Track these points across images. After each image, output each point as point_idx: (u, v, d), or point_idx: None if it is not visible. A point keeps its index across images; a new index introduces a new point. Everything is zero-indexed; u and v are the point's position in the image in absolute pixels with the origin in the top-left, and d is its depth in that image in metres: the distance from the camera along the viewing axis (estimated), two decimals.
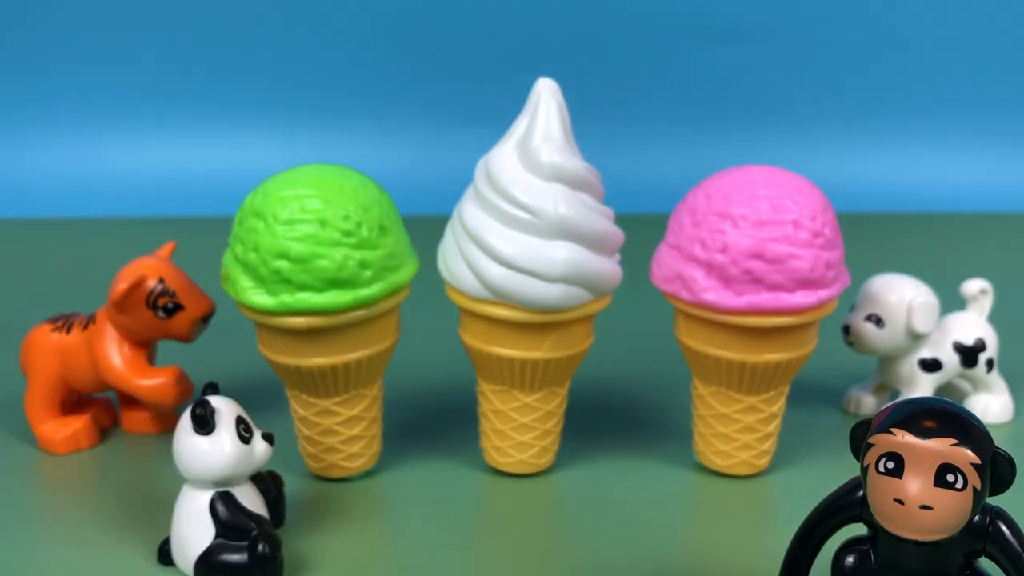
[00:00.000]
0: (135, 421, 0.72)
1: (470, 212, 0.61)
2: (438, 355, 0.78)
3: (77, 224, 1.26)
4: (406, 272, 0.60)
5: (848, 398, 0.76)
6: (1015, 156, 1.44)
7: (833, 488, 0.45)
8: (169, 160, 1.37)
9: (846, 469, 0.46)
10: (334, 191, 0.57)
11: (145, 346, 0.68)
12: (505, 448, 0.65)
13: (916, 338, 0.71)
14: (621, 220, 0.63)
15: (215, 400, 0.54)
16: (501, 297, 0.59)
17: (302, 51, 1.40)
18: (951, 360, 0.73)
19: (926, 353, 0.72)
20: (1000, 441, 0.41)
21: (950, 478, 0.39)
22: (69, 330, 0.68)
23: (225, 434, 0.53)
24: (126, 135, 1.39)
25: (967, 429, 0.40)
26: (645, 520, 0.61)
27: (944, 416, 0.40)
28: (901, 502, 0.40)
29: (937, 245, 1.21)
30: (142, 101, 1.39)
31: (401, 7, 1.39)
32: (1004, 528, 0.41)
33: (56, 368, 0.68)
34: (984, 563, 0.43)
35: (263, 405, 0.71)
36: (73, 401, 0.71)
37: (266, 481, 0.57)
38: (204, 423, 0.52)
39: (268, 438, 0.55)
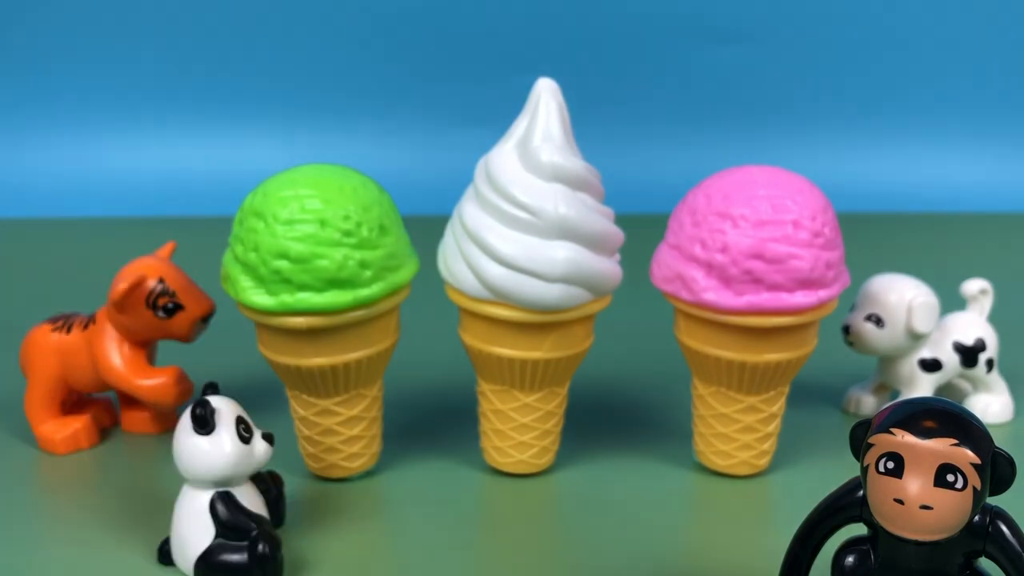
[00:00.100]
0: (135, 421, 0.72)
1: (470, 212, 0.61)
2: (438, 355, 0.78)
3: (77, 224, 1.26)
4: (406, 272, 0.60)
5: (848, 398, 0.76)
6: (1015, 156, 1.44)
7: (833, 488, 0.45)
8: (169, 160, 1.37)
9: (846, 469, 0.46)
10: (334, 191, 0.57)
11: (145, 346, 0.68)
12: (505, 448, 0.65)
13: (916, 338, 0.71)
14: (621, 220, 0.63)
15: (215, 400, 0.54)
16: (501, 297, 0.59)
17: (302, 51, 1.40)
18: (951, 360, 0.73)
19: (926, 353, 0.72)
20: (1000, 441, 0.41)
21: (950, 478, 0.39)
22: (69, 330, 0.68)
23: (225, 434, 0.53)
24: (126, 135, 1.39)
25: (967, 429, 0.40)
26: (645, 520, 0.61)
27: (944, 416, 0.40)
28: (901, 502, 0.40)
29: (937, 245, 1.21)
30: (142, 101, 1.39)
31: (401, 7, 1.39)
32: (1004, 528, 0.41)
33: (56, 368, 0.68)
34: (984, 563, 0.43)
35: (263, 405, 0.71)
36: (73, 401, 0.71)
37: (266, 481, 0.57)
38: (204, 423, 0.52)
39: (268, 438, 0.55)
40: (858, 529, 0.44)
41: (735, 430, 0.64)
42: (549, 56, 1.39)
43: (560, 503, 0.64)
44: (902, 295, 0.70)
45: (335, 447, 0.63)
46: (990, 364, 0.73)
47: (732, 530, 0.60)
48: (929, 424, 0.40)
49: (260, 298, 0.57)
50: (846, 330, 0.72)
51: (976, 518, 0.41)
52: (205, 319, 0.68)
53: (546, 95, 0.60)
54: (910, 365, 0.72)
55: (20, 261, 1.12)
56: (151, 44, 1.39)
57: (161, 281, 0.66)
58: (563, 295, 0.59)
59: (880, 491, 0.40)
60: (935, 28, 1.43)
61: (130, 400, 0.71)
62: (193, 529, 0.53)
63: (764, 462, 0.66)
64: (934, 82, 1.45)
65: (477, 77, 1.40)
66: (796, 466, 0.67)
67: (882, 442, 0.40)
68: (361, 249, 0.57)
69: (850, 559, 0.44)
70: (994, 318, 0.75)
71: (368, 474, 0.66)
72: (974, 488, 0.39)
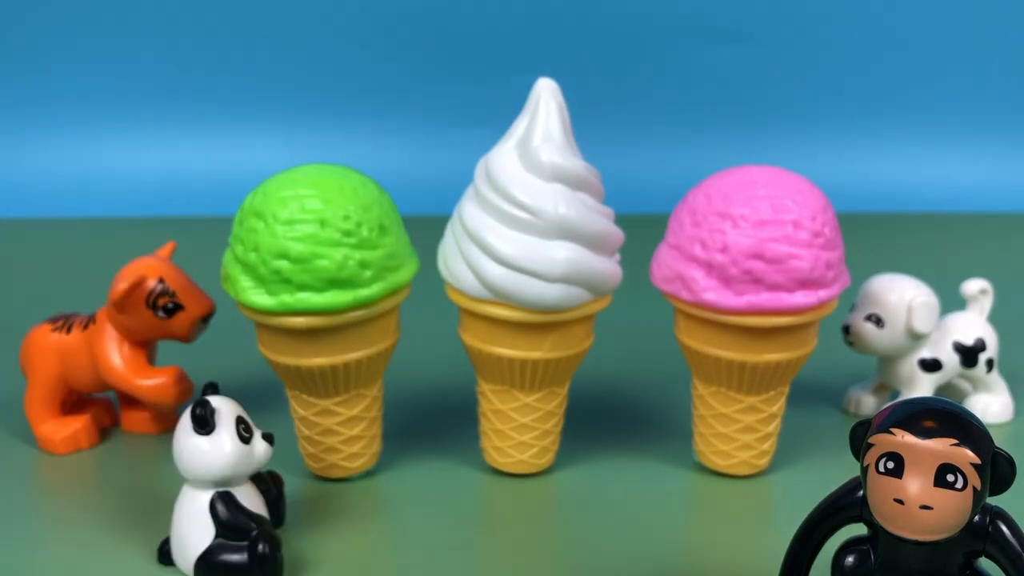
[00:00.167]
0: (135, 421, 0.72)
1: (470, 212, 0.61)
2: (438, 355, 0.78)
3: (77, 224, 1.26)
4: (406, 272, 0.60)
5: (848, 398, 0.76)
6: (1015, 156, 1.44)
7: (833, 488, 0.45)
8: (169, 160, 1.38)
9: (846, 469, 0.46)
10: (334, 191, 0.57)
11: (145, 346, 0.68)
12: (505, 448, 0.65)
13: (916, 338, 0.71)
14: (621, 220, 0.63)
15: (215, 400, 0.54)
16: (501, 297, 0.59)
17: (302, 51, 1.40)
18: (951, 360, 0.73)
19: (926, 353, 0.72)
20: (1000, 441, 0.41)
21: (950, 478, 0.39)
22: (69, 330, 0.68)
23: (225, 434, 0.53)
24: (126, 135, 1.39)
25: (967, 429, 0.40)
26: (645, 520, 0.61)
27: (944, 416, 0.40)
28: (901, 502, 0.40)
29: (937, 245, 1.21)
30: (142, 101, 1.39)
31: (401, 7, 1.39)
32: (1004, 528, 0.41)
33: (56, 368, 0.68)
34: (984, 563, 0.43)
35: (263, 405, 0.71)
36: (73, 401, 0.71)
37: (266, 481, 0.58)
38: (204, 423, 0.52)
39: (268, 438, 0.55)
40: (858, 529, 0.45)
41: (735, 430, 0.64)
42: (549, 56, 1.39)
43: (560, 503, 0.64)
44: (902, 295, 0.70)
45: (335, 447, 0.63)
46: (990, 364, 0.73)
47: (732, 530, 0.60)
48: (929, 424, 0.40)
49: (260, 298, 0.57)
50: (846, 330, 0.72)
51: (976, 518, 0.41)
52: (205, 319, 0.68)
53: (546, 95, 0.60)
54: (910, 365, 0.72)
55: (20, 261, 1.12)
56: (151, 44, 1.39)
57: (161, 281, 0.66)
58: (563, 295, 0.59)
59: (880, 491, 0.40)
60: (935, 28, 1.43)
61: (130, 400, 0.71)
62: (193, 529, 0.53)
63: (764, 462, 0.66)
64: (934, 82, 1.45)
65: (477, 77, 1.40)
66: (796, 466, 0.67)
67: (882, 442, 0.40)
68: (361, 249, 0.57)
69: (850, 559, 0.44)
70: (994, 318, 0.75)
71: (368, 474, 0.66)
72: (974, 488, 0.39)
